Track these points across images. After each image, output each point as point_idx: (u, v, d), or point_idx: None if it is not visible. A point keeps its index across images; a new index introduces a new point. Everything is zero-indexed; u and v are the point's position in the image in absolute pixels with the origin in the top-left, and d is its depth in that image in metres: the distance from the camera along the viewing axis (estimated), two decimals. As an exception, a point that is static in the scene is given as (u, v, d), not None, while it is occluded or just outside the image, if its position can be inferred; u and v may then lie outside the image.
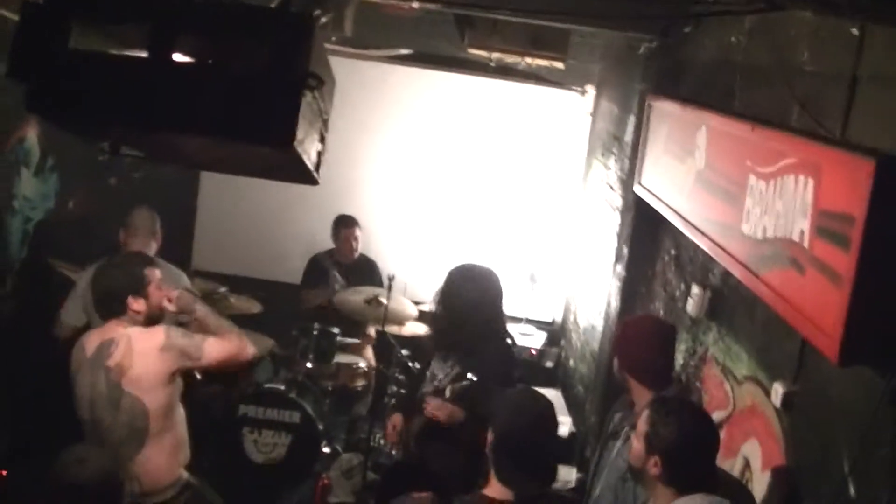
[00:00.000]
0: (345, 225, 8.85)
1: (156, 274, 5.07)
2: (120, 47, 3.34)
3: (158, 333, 4.95)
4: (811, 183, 3.10)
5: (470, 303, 5.79)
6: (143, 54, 3.19)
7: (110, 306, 4.98)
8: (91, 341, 4.99)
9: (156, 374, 4.88)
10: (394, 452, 6.81)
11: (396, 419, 6.10)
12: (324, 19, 6.72)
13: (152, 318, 5.07)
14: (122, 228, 6.14)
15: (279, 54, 3.12)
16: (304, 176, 3.75)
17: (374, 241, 9.32)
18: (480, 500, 3.86)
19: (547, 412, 3.95)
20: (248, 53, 3.21)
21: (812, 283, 3.00)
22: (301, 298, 8.88)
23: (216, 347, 5.05)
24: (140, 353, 4.86)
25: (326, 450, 7.93)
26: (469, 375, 5.50)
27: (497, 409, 3.99)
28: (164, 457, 5.00)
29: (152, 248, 6.15)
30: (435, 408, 5.52)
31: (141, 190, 9.17)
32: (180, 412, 5.13)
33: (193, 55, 3.29)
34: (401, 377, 8.03)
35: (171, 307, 5.13)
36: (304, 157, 3.44)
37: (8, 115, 6.74)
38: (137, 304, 4.98)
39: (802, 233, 3.13)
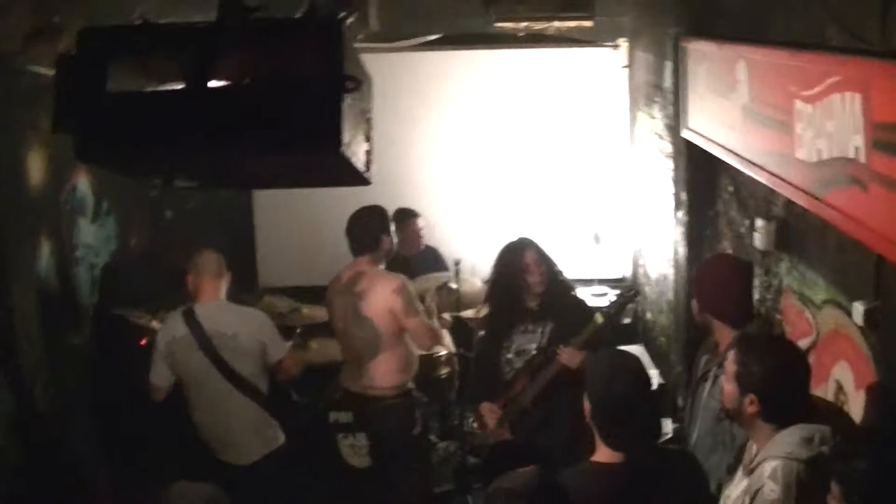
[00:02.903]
0: (409, 217, 8.84)
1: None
2: (157, 84, 3.37)
3: (396, 279, 6.31)
4: (858, 98, 3.08)
5: (553, 265, 6.12)
6: (181, 86, 3.23)
7: (364, 241, 6.39)
8: (345, 274, 6.43)
9: (384, 307, 6.18)
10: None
11: (490, 407, 6.16)
12: (350, 19, 6.73)
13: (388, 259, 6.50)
14: (189, 274, 6.14)
15: (313, 62, 3.14)
16: (356, 178, 3.76)
17: (435, 229, 9.32)
18: (590, 466, 3.87)
19: (638, 369, 3.95)
20: (283, 66, 3.23)
21: (876, 197, 2.98)
22: None
23: (414, 323, 6.30)
24: (378, 288, 6.22)
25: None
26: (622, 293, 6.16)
27: (589, 375, 3.99)
28: (393, 366, 6.39)
29: (222, 288, 6.19)
30: (570, 356, 5.68)
31: (197, 219, 9.24)
32: (409, 341, 6.45)
33: (229, 78, 3.31)
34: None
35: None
36: (353, 160, 3.45)
37: (59, 165, 6.83)
38: (385, 243, 6.41)
39: (858, 149, 3.10)
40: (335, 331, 6.60)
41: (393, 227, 6.66)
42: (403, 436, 6.54)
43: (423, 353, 8.22)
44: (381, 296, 6.21)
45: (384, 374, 6.39)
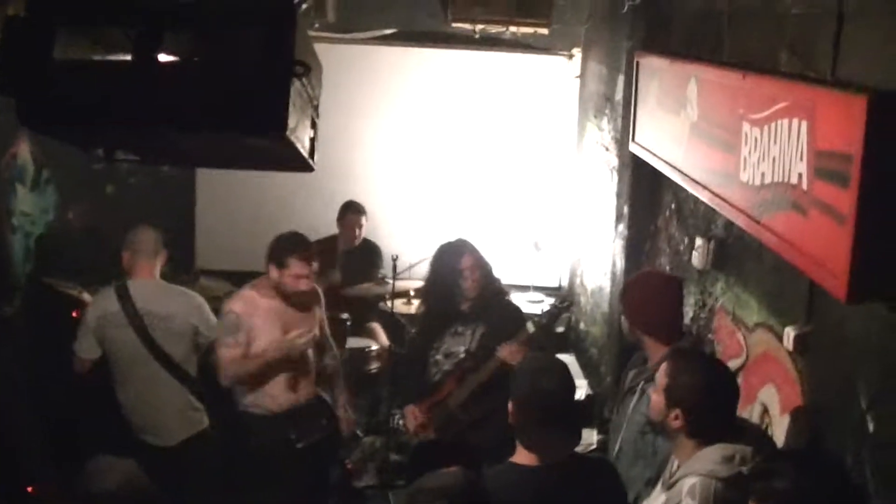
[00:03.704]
0: (352, 211, 8.88)
1: None
2: (104, 53, 3.33)
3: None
4: (805, 125, 3.10)
5: (489, 270, 6.11)
6: (128, 57, 3.19)
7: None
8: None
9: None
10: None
11: (414, 410, 6.16)
12: (305, 5, 6.71)
13: None
14: (126, 250, 6.08)
15: (264, 45, 3.12)
16: (300, 163, 3.75)
17: (375, 223, 9.32)
18: (510, 467, 3.88)
19: (562, 372, 3.97)
20: (233, 47, 3.21)
21: (815, 224, 3.00)
22: None
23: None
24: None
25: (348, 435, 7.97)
26: (555, 303, 6.22)
27: (515, 376, 4.01)
28: None
29: (157, 266, 6.13)
30: (511, 352, 5.70)
31: (138, 195, 9.18)
32: None
33: (178, 54, 3.28)
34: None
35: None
36: (298, 145, 3.44)
37: (0, 133, 6.74)
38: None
39: (801, 175, 3.13)
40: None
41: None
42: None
43: (356, 346, 8.26)
44: None
45: None
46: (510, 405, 3.92)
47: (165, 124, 3.20)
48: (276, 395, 5.98)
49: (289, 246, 5.88)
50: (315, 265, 5.96)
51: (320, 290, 6.32)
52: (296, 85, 3.20)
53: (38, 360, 6.99)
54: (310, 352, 6.13)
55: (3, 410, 6.89)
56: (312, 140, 3.73)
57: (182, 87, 3.13)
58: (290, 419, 6.04)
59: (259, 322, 5.87)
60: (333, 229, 8.95)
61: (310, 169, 3.86)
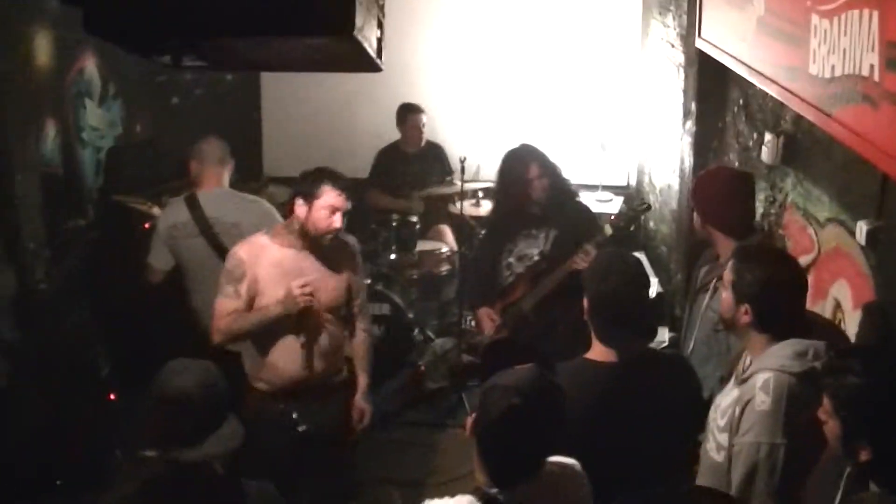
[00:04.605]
0: (411, 112, 8.86)
1: None
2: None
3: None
4: (877, 15, 3.05)
5: (558, 174, 6.01)
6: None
7: None
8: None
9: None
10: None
11: (490, 312, 6.17)
12: None
13: None
14: (193, 160, 6.13)
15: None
16: (367, 64, 3.74)
17: (441, 127, 9.33)
18: (584, 363, 3.91)
19: (637, 270, 3.99)
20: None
21: (887, 116, 2.97)
22: (367, 196, 8.87)
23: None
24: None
25: (419, 338, 8.06)
26: (633, 205, 5.80)
27: (588, 273, 4.03)
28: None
29: (225, 175, 6.18)
30: (588, 258, 5.48)
31: (204, 105, 9.23)
32: None
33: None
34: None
35: (302, 298, 5.01)
36: (366, 45, 3.43)
37: (66, 47, 6.79)
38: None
39: (872, 67, 3.09)
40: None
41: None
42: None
43: (426, 249, 8.30)
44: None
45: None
46: (584, 301, 3.95)
47: (231, 28, 3.20)
48: (280, 366, 5.19)
49: (321, 175, 5.09)
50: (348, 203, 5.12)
51: (357, 252, 5.51)
52: (362, -17, 3.18)
53: (113, 270, 7.11)
54: (331, 320, 5.27)
55: (79, 326, 7.05)
56: (379, 40, 3.71)
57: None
58: (295, 398, 5.23)
59: (263, 273, 5.08)
60: (396, 135, 8.97)
61: (378, 69, 3.84)
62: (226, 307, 5.09)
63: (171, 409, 3.62)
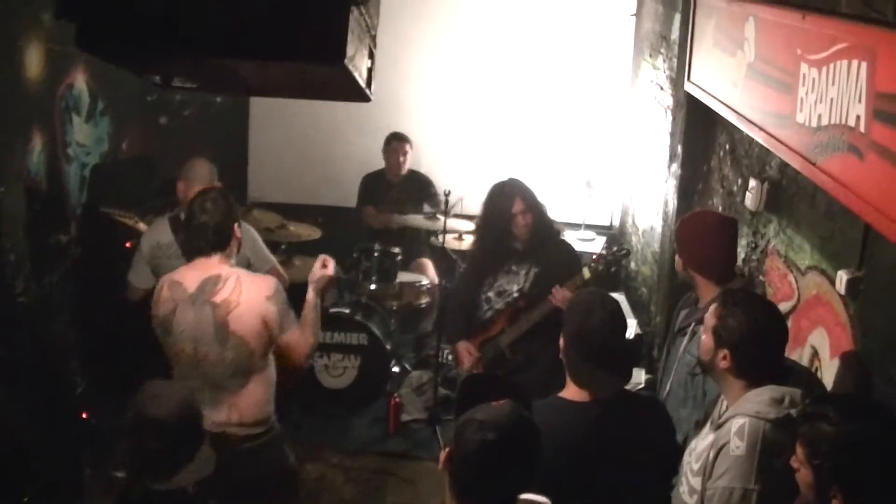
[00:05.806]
0: (394, 140, 8.90)
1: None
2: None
3: (270, 281, 4.86)
4: (865, 66, 3.07)
5: (542, 211, 6.04)
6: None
7: (215, 239, 4.82)
8: (189, 278, 4.80)
9: (257, 318, 4.69)
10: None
11: (468, 346, 6.16)
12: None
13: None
14: (180, 180, 6.11)
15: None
16: (356, 93, 3.76)
17: (428, 158, 9.35)
18: (558, 402, 3.91)
19: (614, 309, 3.98)
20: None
21: (872, 167, 2.98)
22: (363, 216, 8.96)
23: (296, 335, 4.83)
24: (248, 295, 4.71)
25: (396, 369, 8.03)
26: (614, 250, 6.02)
27: (567, 312, 4.03)
28: (262, 394, 4.87)
29: None
30: (565, 298, 5.53)
31: (192, 126, 9.21)
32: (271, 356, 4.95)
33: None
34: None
35: (328, 271, 4.87)
36: (356, 74, 3.44)
37: (57, 61, 6.78)
38: (239, 232, 4.94)
39: (859, 117, 3.10)
40: (179, 355, 4.80)
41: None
42: (279, 475, 5.13)
43: (406, 280, 8.27)
44: (254, 303, 4.74)
45: (254, 405, 4.88)
46: (561, 340, 3.95)
47: (225, 50, 3.21)
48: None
49: None
50: None
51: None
52: (354, 13, 3.19)
53: (93, 287, 7.08)
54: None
55: (56, 341, 7.01)
56: (370, 70, 3.73)
57: (240, 14, 3.13)
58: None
59: None
60: (382, 163, 9.00)
61: (366, 99, 3.86)
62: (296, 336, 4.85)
63: (146, 437, 3.60)
